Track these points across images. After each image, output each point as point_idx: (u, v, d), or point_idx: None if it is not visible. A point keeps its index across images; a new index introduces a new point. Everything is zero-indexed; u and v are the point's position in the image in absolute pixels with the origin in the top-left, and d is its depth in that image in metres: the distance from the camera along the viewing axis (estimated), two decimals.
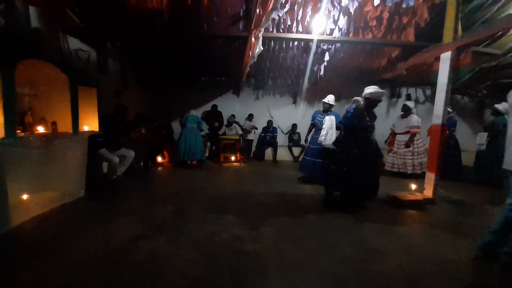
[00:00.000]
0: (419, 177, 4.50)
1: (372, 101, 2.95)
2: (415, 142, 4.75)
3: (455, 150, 4.86)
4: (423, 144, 4.77)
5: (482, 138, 4.66)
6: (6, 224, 2.17)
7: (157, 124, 5.69)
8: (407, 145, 4.68)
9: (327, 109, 4.15)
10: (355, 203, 3.01)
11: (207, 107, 6.84)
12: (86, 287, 1.52)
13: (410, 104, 4.80)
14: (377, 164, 3.08)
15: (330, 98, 4.14)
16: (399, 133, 4.91)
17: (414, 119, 4.69)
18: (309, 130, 4.41)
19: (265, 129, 6.82)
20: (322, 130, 3.91)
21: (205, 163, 5.74)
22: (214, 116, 6.35)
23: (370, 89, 2.94)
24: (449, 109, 5.10)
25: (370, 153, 3.00)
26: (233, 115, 6.92)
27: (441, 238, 2.29)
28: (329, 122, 3.90)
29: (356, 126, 2.94)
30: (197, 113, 5.98)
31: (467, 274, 1.76)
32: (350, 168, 2.88)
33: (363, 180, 2.89)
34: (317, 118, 4.18)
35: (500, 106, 4.35)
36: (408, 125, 4.74)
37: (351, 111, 2.97)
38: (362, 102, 2.99)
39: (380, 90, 2.93)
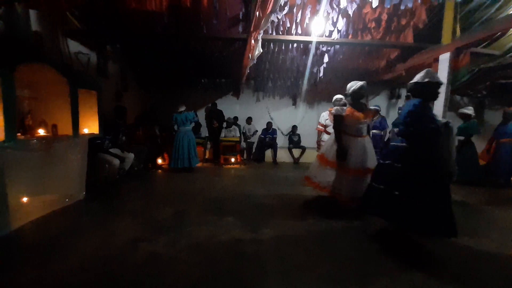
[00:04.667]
0: None
1: None
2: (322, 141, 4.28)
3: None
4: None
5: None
6: (7, 226, 2.17)
7: (152, 132, 5.60)
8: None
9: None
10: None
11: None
12: None
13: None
14: None
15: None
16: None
17: (322, 115, 4.50)
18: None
19: (264, 131, 6.82)
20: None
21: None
22: (215, 115, 6.31)
23: None
24: (377, 107, 4.99)
25: None
26: (236, 117, 6.93)
27: (441, 239, 2.28)
28: None
29: None
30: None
31: (469, 276, 1.75)
32: None
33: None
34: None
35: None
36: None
37: None
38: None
39: None
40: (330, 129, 3.96)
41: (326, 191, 2.94)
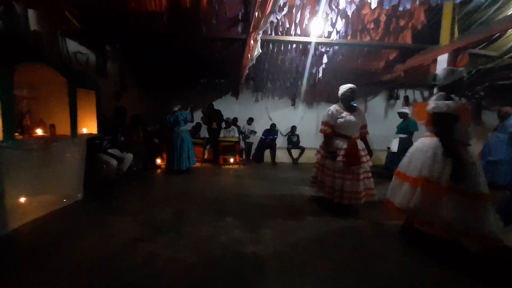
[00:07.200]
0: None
1: None
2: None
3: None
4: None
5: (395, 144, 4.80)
6: (4, 227, 2.16)
7: (152, 130, 5.61)
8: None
9: None
10: None
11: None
12: None
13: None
14: None
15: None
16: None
17: (330, 111, 2.94)
18: None
19: (267, 132, 6.81)
20: None
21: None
22: (214, 115, 6.28)
23: None
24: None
25: None
26: (235, 118, 6.93)
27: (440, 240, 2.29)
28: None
29: None
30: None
31: (463, 277, 1.76)
32: None
33: None
34: None
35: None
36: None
37: None
38: None
39: None
40: (345, 131, 2.79)
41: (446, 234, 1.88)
